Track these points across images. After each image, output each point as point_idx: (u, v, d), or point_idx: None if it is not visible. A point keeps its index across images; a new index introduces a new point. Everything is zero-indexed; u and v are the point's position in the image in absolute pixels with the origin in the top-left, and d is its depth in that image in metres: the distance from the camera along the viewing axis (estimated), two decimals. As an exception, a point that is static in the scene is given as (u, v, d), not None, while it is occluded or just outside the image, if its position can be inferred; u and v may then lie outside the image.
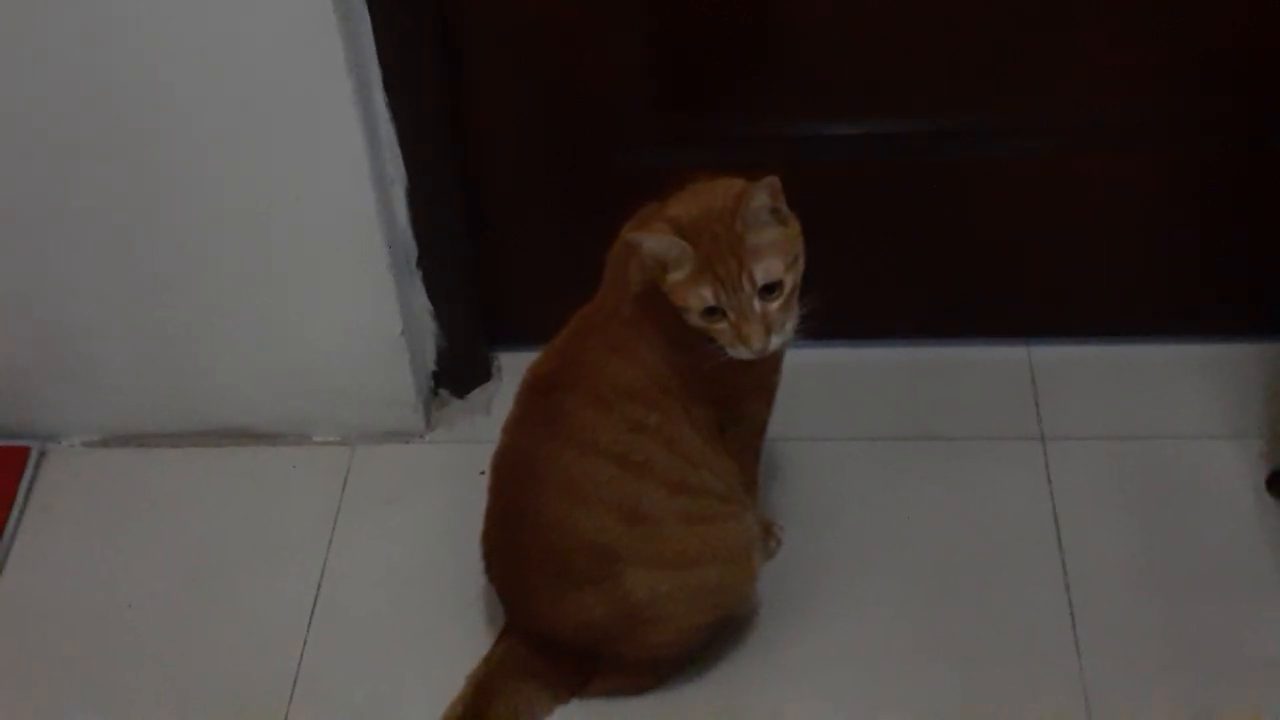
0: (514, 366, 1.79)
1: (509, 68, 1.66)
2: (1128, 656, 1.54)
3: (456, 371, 1.86)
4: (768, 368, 1.44)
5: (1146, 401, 1.79)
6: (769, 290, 1.30)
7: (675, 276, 1.31)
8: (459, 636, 1.59)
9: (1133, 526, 1.65)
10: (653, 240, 1.30)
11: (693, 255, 1.29)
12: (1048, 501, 1.69)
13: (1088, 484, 1.70)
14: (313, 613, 1.66)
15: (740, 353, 1.32)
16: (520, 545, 1.46)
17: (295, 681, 1.60)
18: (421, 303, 1.77)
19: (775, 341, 1.32)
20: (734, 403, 1.44)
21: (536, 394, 1.45)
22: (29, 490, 1.82)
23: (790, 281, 1.31)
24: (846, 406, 1.81)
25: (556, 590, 1.45)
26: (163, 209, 1.62)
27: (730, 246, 1.28)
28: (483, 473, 1.51)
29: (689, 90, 1.69)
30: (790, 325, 1.34)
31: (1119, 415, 1.77)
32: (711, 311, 1.31)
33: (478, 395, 1.88)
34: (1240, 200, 1.74)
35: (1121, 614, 1.57)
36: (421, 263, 1.73)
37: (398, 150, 1.62)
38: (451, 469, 1.78)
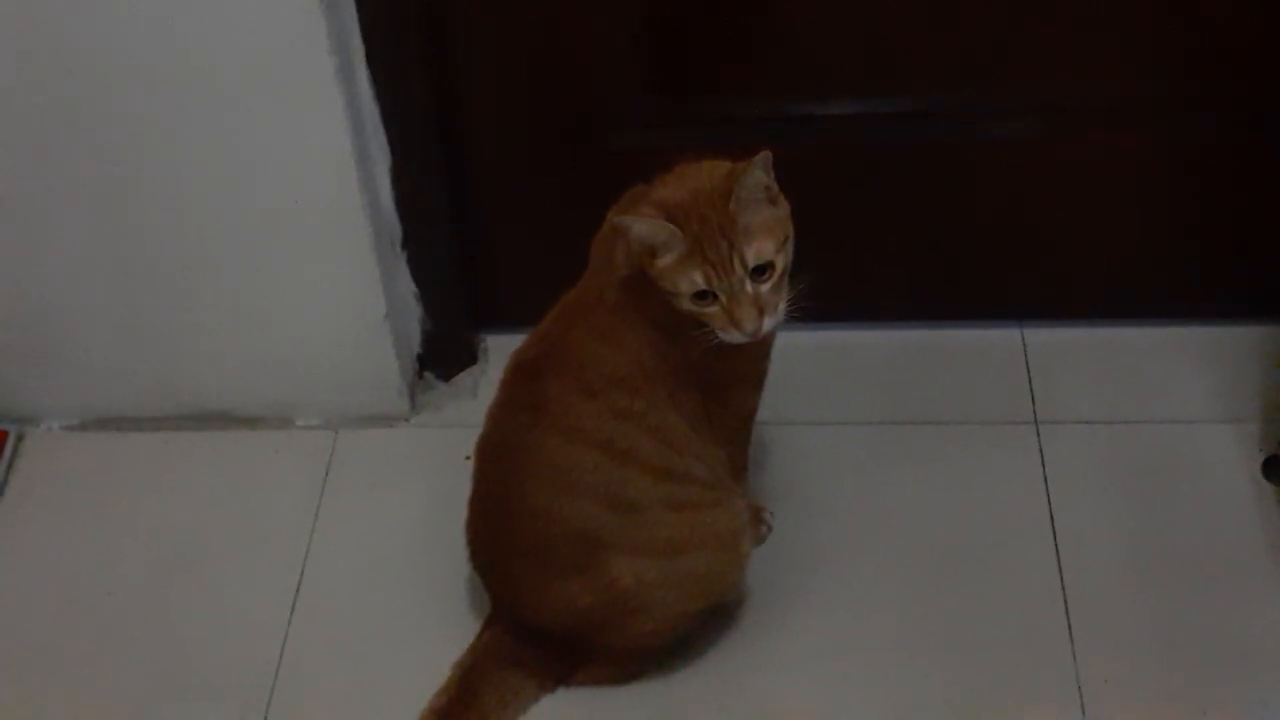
0: (500, 350, 1.77)
1: (498, 48, 1.64)
2: (1121, 641, 1.53)
3: (442, 355, 1.85)
4: (756, 355, 1.42)
5: (1142, 385, 1.78)
6: (760, 272, 1.29)
7: (664, 260, 1.30)
8: (444, 624, 1.58)
9: (1127, 512, 1.65)
10: (641, 224, 1.29)
11: (682, 238, 1.28)
12: (1041, 487, 1.68)
13: (1082, 469, 1.69)
14: (295, 599, 1.65)
15: (733, 336, 1.31)
16: (505, 533, 1.45)
17: (278, 669, 1.58)
18: (407, 285, 1.76)
19: (768, 323, 1.31)
20: (721, 390, 1.43)
21: (521, 379, 1.43)
22: (6, 474, 1.80)
23: (781, 262, 1.30)
24: (838, 390, 1.80)
25: (542, 578, 1.44)
26: (142, 191, 1.61)
27: (721, 228, 1.27)
28: (468, 458, 1.49)
29: (680, 70, 1.68)
30: (782, 307, 1.33)
31: (1114, 399, 1.77)
32: (702, 295, 1.30)
33: (464, 379, 1.86)
34: (1237, 183, 1.73)
35: (1115, 599, 1.57)
36: (407, 245, 1.72)
37: (382, 130, 1.61)
38: (437, 454, 1.76)
